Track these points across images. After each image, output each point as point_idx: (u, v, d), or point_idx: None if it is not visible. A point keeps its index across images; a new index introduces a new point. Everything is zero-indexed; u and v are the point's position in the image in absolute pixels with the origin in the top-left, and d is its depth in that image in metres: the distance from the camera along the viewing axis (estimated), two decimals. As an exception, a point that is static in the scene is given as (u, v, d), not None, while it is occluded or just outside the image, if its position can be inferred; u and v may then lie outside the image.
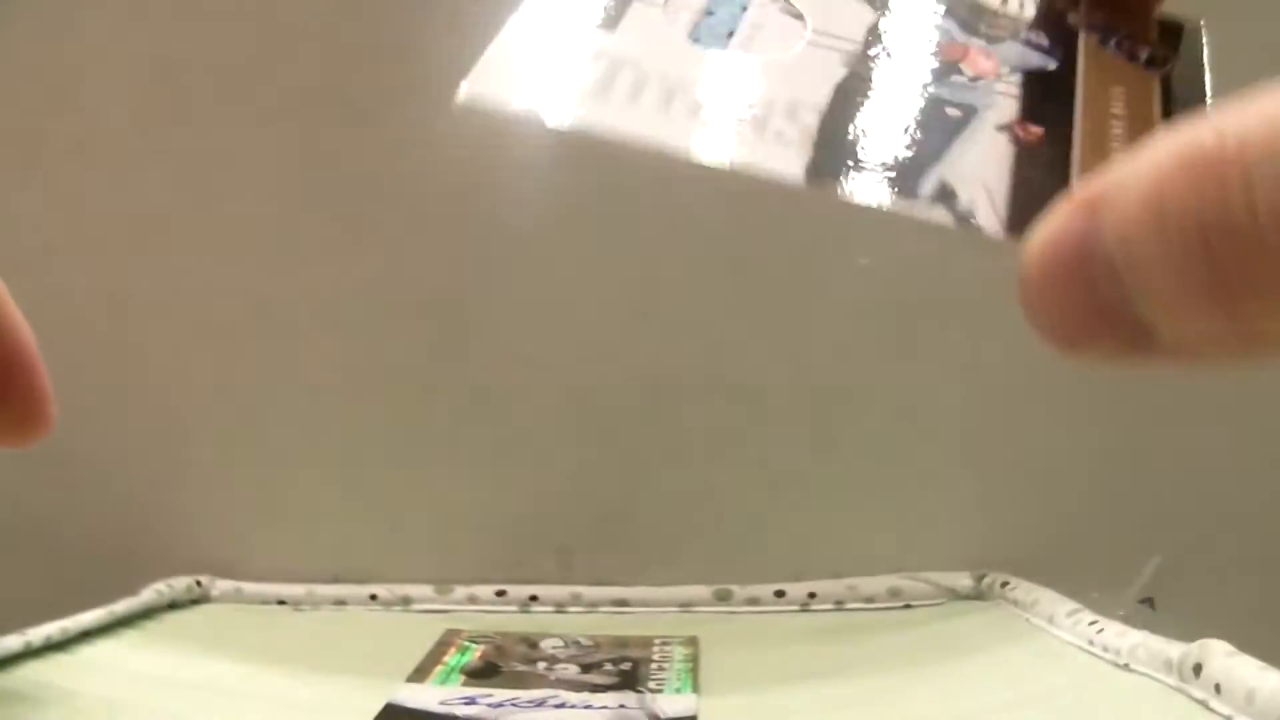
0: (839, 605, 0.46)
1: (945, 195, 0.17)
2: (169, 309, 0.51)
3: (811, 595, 0.46)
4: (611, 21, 0.18)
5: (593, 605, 0.47)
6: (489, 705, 0.30)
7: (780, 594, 0.46)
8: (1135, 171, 0.15)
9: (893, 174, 0.17)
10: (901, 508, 0.50)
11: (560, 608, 0.47)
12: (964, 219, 0.17)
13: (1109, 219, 0.15)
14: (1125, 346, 0.16)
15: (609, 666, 0.35)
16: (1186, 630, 0.32)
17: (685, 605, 0.47)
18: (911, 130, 0.18)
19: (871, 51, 0.19)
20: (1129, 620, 0.35)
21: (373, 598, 0.48)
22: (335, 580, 0.49)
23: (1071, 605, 0.38)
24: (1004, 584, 0.44)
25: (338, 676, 0.36)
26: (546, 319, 0.51)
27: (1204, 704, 0.29)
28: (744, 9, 0.19)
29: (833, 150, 0.18)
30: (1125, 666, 0.33)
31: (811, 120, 0.17)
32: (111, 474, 0.52)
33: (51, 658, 0.37)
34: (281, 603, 0.48)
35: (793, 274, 0.50)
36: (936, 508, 0.50)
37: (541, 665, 0.35)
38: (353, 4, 0.51)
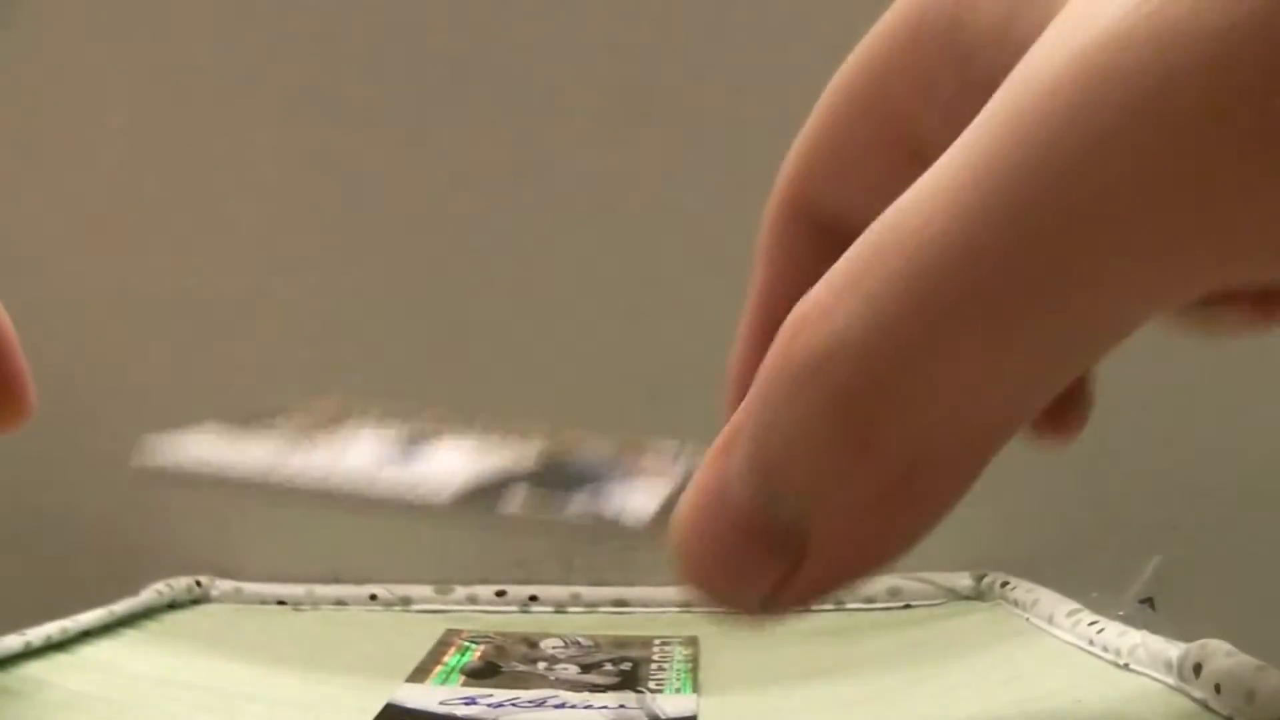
0: (839, 605, 0.45)
1: (595, 503, 0.18)
2: (169, 309, 0.51)
3: (811, 595, 0.46)
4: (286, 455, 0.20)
5: (592, 605, 0.47)
6: (489, 705, 0.30)
7: (780, 594, 0.46)
8: (752, 389, 0.15)
9: (546, 492, 0.18)
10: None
11: (560, 608, 0.47)
12: (613, 519, 0.18)
13: (739, 443, 0.15)
14: (787, 562, 0.15)
15: (609, 666, 0.35)
16: (1186, 630, 0.32)
17: (685, 605, 0.47)
18: (571, 475, 0.20)
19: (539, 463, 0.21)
20: (1129, 620, 0.35)
21: (373, 598, 0.48)
22: (335, 580, 0.49)
23: (1071, 605, 0.38)
24: (1004, 584, 0.44)
25: (338, 676, 0.36)
26: (546, 319, 0.51)
27: (1204, 704, 0.29)
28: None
29: (490, 485, 0.19)
30: (1125, 666, 0.33)
31: (471, 475, 0.19)
32: (112, 474, 0.52)
33: (51, 658, 0.37)
34: (281, 603, 0.48)
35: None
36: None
37: (541, 665, 0.35)
38: (352, 4, 0.51)
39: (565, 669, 0.35)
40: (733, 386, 0.23)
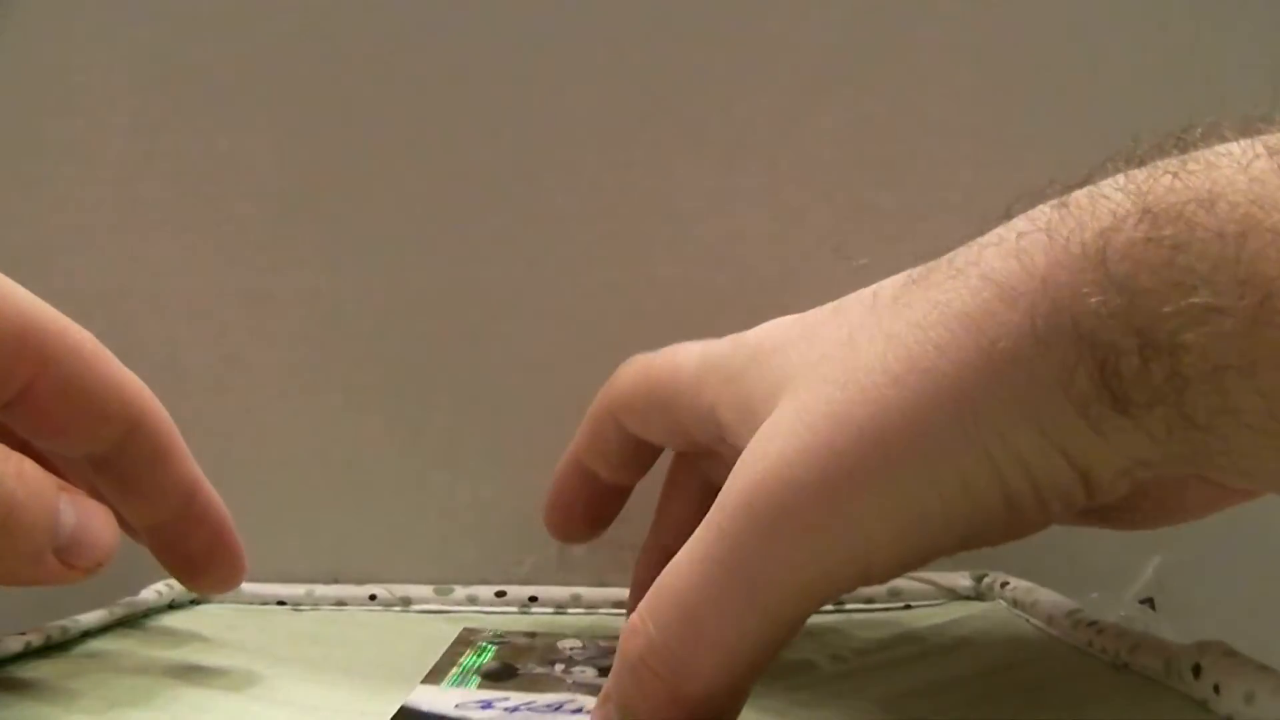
0: (839, 605, 0.46)
1: None
2: (169, 309, 0.51)
3: (811, 595, 0.46)
4: None
5: (592, 606, 0.47)
6: (505, 709, 0.30)
7: (780, 594, 0.46)
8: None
9: None
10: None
11: (560, 609, 0.47)
12: None
13: (611, 700, 0.27)
14: None
15: (624, 669, 0.35)
16: (1186, 630, 0.32)
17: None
18: None
19: None
20: (1129, 620, 0.36)
21: (372, 598, 0.48)
22: (335, 580, 0.49)
23: (1071, 605, 0.39)
24: (1004, 584, 0.44)
25: (342, 677, 0.36)
26: (547, 319, 0.51)
27: (1203, 704, 0.29)
28: None
29: None
30: (1125, 666, 0.33)
31: None
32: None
33: (51, 658, 0.37)
34: (281, 603, 0.48)
35: (791, 275, 0.50)
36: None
37: (559, 668, 0.35)
38: (352, 4, 0.51)
39: (583, 671, 0.35)
40: (635, 589, 0.38)
